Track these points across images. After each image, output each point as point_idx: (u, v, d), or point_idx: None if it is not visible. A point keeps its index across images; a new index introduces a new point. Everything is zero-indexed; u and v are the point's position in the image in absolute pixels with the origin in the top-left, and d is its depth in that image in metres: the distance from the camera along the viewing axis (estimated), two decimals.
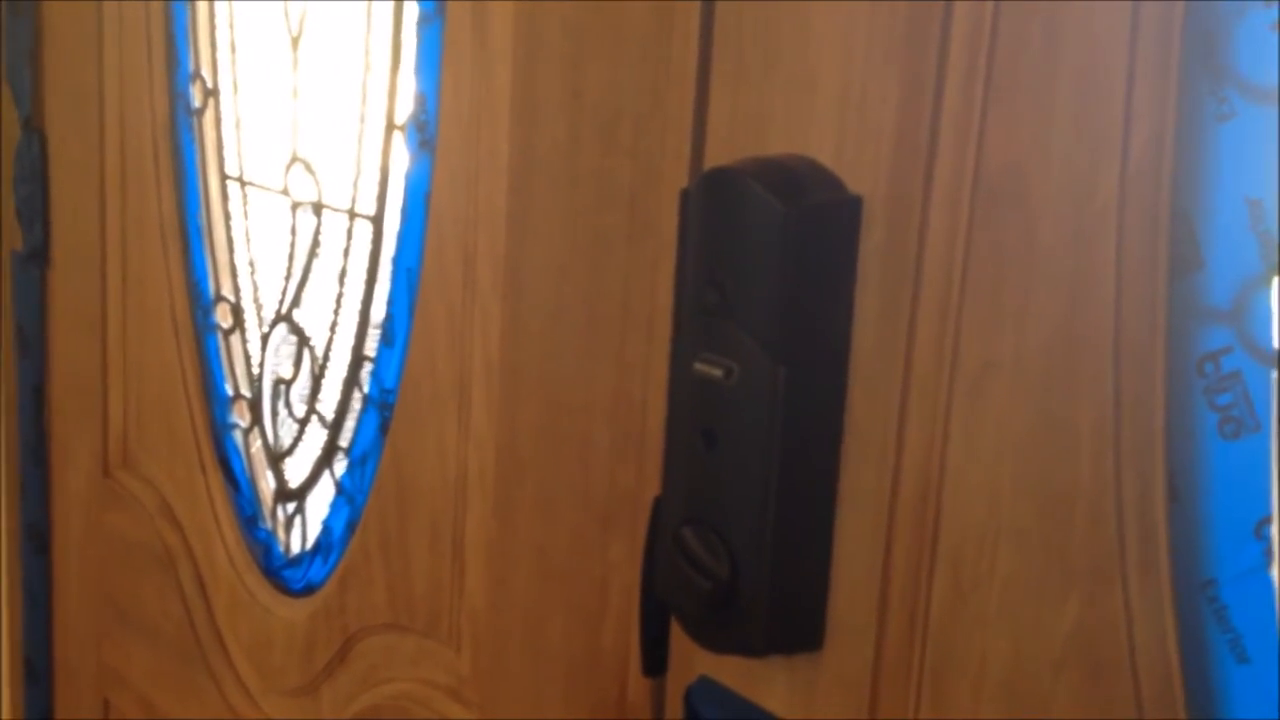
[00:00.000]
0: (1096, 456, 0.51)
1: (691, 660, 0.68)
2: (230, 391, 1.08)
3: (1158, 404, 0.49)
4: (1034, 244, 0.52)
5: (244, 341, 1.06)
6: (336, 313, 0.95)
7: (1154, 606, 0.50)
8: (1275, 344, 0.46)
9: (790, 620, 0.61)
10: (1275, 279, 0.46)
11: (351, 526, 0.95)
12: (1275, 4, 0.45)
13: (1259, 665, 0.47)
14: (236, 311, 1.06)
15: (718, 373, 0.60)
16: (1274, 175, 0.45)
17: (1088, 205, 0.50)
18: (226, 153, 1.05)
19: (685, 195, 0.63)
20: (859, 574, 0.60)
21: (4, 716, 1.40)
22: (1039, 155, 0.52)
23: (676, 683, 0.69)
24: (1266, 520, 0.47)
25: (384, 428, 0.91)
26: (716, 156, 0.64)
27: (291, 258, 0.99)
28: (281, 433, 1.03)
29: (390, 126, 0.88)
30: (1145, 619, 0.50)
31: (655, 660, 0.70)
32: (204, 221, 1.07)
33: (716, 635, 0.63)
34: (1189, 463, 0.49)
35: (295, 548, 1.04)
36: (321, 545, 1.00)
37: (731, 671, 0.66)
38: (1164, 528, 0.49)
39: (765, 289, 0.58)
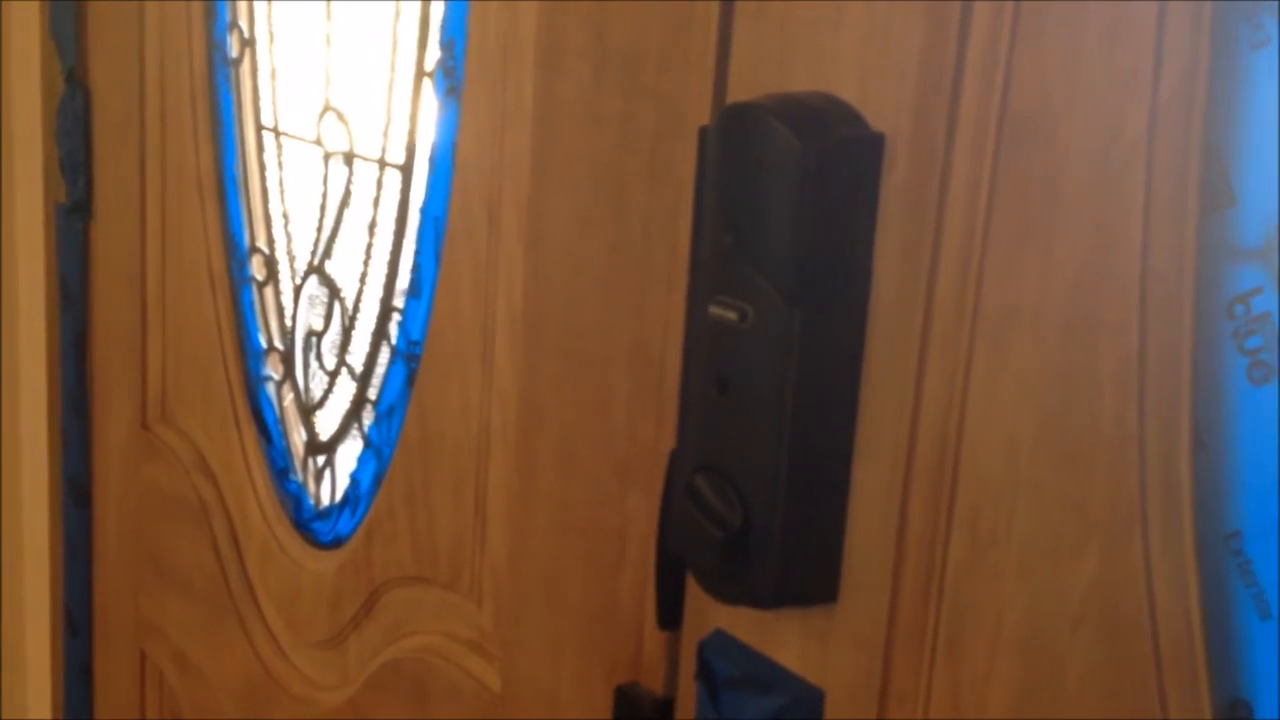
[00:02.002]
0: (1119, 405, 0.49)
1: (706, 614, 0.66)
2: (264, 344, 1.08)
3: (1185, 349, 0.47)
4: (1060, 185, 0.50)
5: (277, 294, 1.06)
6: (366, 264, 0.95)
7: (1175, 561, 0.47)
8: None
9: (804, 571, 0.59)
10: None
11: (378, 479, 0.95)
12: None
13: None
14: (270, 263, 1.06)
15: (732, 316, 0.58)
16: None
17: (1116, 143, 0.48)
18: (262, 103, 1.05)
19: (704, 133, 0.61)
20: (874, 526, 0.58)
21: (46, 669, 1.42)
22: (1066, 92, 0.50)
23: (691, 636, 0.68)
24: None
25: (410, 380, 0.90)
26: (739, 96, 0.62)
27: (323, 209, 0.99)
28: (313, 385, 1.03)
29: (420, 74, 0.87)
30: (1166, 574, 0.48)
31: (670, 613, 0.68)
32: (240, 173, 1.07)
33: (728, 586, 0.62)
34: (1215, 409, 0.46)
35: (325, 500, 1.03)
36: (349, 498, 0.99)
37: (746, 625, 0.64)
38: (1188, 477, 0.47)
39: (782, 228, 0.56)
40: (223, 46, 1.06)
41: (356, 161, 0.95)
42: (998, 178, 0.53)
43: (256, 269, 1.07)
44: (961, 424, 0.55)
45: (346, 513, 0.99)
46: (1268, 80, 0.44)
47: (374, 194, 0.93)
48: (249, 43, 1.04)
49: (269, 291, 1.07)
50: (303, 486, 1.05)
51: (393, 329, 0.93)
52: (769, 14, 0.61)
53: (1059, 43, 0.50)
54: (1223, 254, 0.46)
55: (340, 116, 0.96)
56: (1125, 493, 0.49)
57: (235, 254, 1.09)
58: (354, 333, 0.98)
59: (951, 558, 0.55)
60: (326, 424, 1.02)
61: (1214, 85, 0.45)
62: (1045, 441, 0.52)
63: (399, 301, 0.92)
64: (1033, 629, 0.52)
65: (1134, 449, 0.48)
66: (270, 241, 1.06)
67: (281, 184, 1.04)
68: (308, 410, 1.04)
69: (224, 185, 1.09)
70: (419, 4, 0.86)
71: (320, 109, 0.97)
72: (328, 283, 1.00)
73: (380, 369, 0.95)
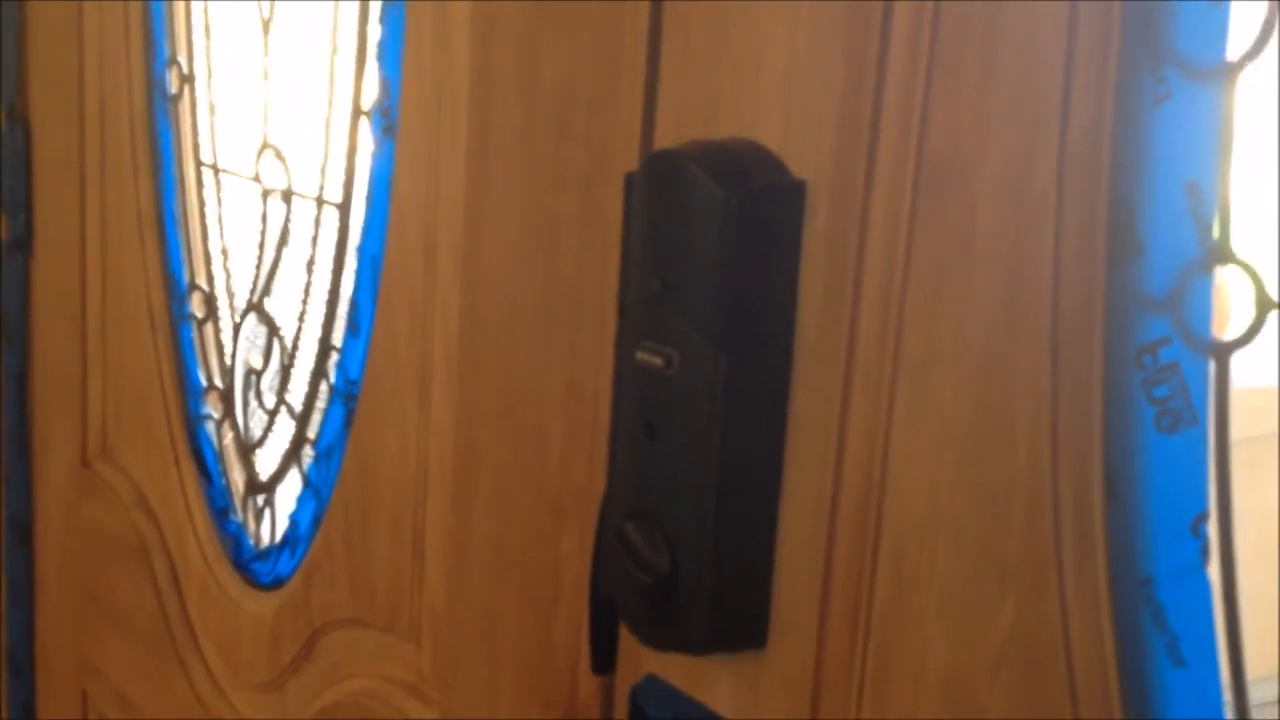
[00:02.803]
0: (1034, 450, 0.49)
1: (640, 659, 0.66)
2: (204, 382, 1.07)
3: (1095, 396, 0.47)
4: (974, 230, 0.51)
5: (217, 331, 1.05)
6: (305, 302, 0.94)
7: (1090, 606, 0.48)
8: (1212, 333, 0.45)
9: (732, 617, 0.59)
10: (1213, 265, 0.44)
11: (317, 520, 0.94)
12: None
13: (1195, 669, 0.46)
14: (210, 301, 1.05)
15: (659, 361, 0.58)
16: (1211, 157, 0.44)
17: (1026, 190, 0.49)
18: (201, 139, 1.04)
19: (630, 179, 0.61)
20: (801, 570, 0.58)
21: None
22: (979, 140, 0.50)
23: (625, 681, 0.68)
24: (1203, 516, 0.45)
25: (349, 420, 0.90)
26: (666, 140, 0.63)
27: (262, 246, 0.98)
28: (252, 424, 1.02)
29: (356, 112, 0.86)
30: (1082, 618, 0.48)
31: (604, 658, 0.68)
32: (179, 209, 1.07)
33: (659, 632, 0.61)
34: (1126, 457, 0.47)
35: (265, 540, 1.03)
36: (289, 539, 0.99)
37: (678, 670, 0.64)
38: (1101, 523, 0.47)
39: (707, 275, 0.57)
40: (162, 83, 1.06)
41: (295, 199, 0.95)
42: (916, 222, 0.53)
43: (196, 306, 1.07)
44: (885, 467, 0.55)
45: (286, 553, 0.99)
46: (1171, 133, 0.45)
47: (312, 232, 0.93)
48: (188, 79, 1.04)
49: (209, 329, 1.06)
50: (243, 526, 1.04)
51: (331, 368, 0.92)
52: (694, 58, 0.61)
53: (971, 89, 0.51)
54: (1131, 303, 0.46)
55: (278, 154, 0.95)
56: (1041, 537, 0.49)
57: (175, 291, 1.08)
58: (293, 371, 0.97)
59: (877, 601, 0.55)
60: (266, 463, 1.01)
61: (1120, 137, 0.46)
62: (964, 484, 0.52)
63: (338, 340, 0.92)
64: (955, 671, 0.53)
65: (1048, 494, 0.49)
66: (210, 279, 1.05)
67: (221, 221, 1.04)
68: (247, 449, 1.03)
69: (164, 222, 1.08)
70: (355, 42, 0.86)
71: (259, 146, 0.97)
72: (267, 321, 0.99)
73: (319, 408, 0.94)
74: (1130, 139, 0.46)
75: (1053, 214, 0.48)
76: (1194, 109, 0.44)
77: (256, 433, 1.02)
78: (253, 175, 0.98)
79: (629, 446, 0.61)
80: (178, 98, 1.05)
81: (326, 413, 0.93)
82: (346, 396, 0.90)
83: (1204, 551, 0.45)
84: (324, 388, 0.94)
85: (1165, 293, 0.46)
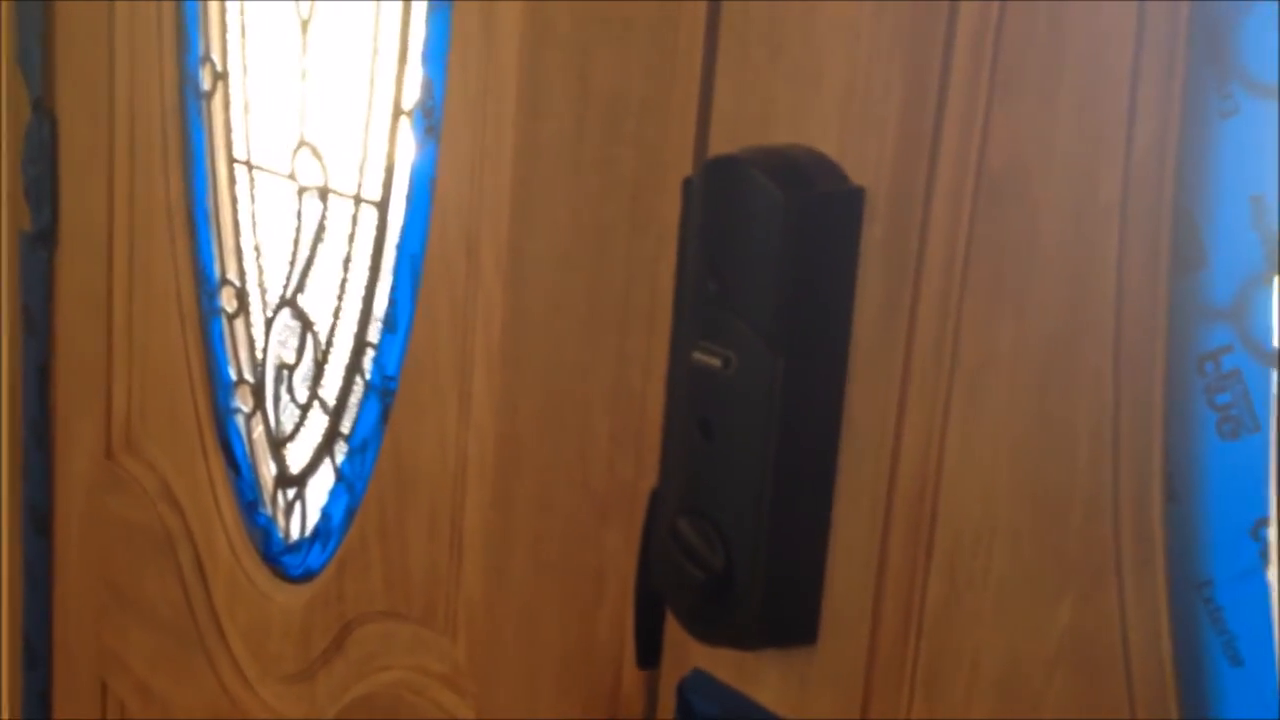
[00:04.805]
0: (1094, 455, 0.50)
1: (686, 653, 0.67)
2: (233, 376, 1.08)
3: (1157, 403, 0.49)
4: (1035, 240, 0.52)
5: (248, 326, 1.06)
6: (340, 299, 0.95)
7: (1149, 607, 0.49)
8: (1275, 343, 0.46)
9: (784, 613, 0.60)
10: (1276, 277, 0.46)
11: (351, 514, 0.95)
12: None
13: (1253, 668, 0.47)
14: (241, 296, 1.06)
15: (716, 362, 0.59)
16: (1275, 172, 0.45)
17: (1090, 202, 0.50)
18: (235, 136, 1.05)
19: (688, 183, 0.63)
20: (854, 569, 0.59)
21: (3, 698, 1.40)
22: (1042, 151, 0.52)
23: (670, 675, 0.69)
24: (1263, 521, 0.47)
25: (385, 415, 0.91)
26: (720, 146, 0.64)
27: (297, 243, 0.99)
28: (283, 418, 1.03)
29: (397, 112, 0.87)
30: (1140, 620, 0.49)
31: (649, 652, 0.69)
32: (211, 205, 1.07)
33: (710, 627, 0.63)
34: (1187, 462, 0.48)
35: (295, 534, 1.03)
36: (320, 532, 1.00)
37: (725, 664, 0.65)
38: (1160, 527, 0.49)
39: (765, 279, 0.58)
40: (195, 79, 1.06)
41: (331, 197, 0.96)
42: (975, 232, 0.54)
43: (227, 301, 1.07)
44: (940, 470, 0.56)
45: (317, 546, 1.00)
46: (1237, 148, 0.46)
47: (349, 229, 0.94)
48: (222, 76, 1.05)
49: (239, 323, 1.07)
50: (272, 519, 1.05)
51: (367, 363, 0.93)
52: (751, 65, 0.62)
53: (1035, 100, 0.52)
54: (1194, 313, 0.48)
55: (315, 152, 0.96)
56: (1100, 539, 0.50)
57: (205, 285, 1.09)
58: (327, 366, 0.98)
59: (930, 600, 0.57)
60: (297, 457, 1.02)
61: (1185, 151, 0.47)
62: (1021, 487, 0.53)
63: (374, 336, 0.93)
64: (1009, 671, 0.54)
65: (1108, 498, 0.50)
66: (241, 274, 1.06)
67: (254, 217, 1.04)
68: (278, 443, 1.04)
69: (194, 217, 1.09)
70: (397, 43, 0.87)
71: (295, 144, 0.98)
72: (300, 316, 1.00)
73: (354, 403, 0.95)
74: (1195, 153, 0.47)
75: (1117, 226, 0.49)
76: (1260, 124, 0.45)
77: (288, 427, 1.03)
78: (288, 173, 0.99)
79: (684, 444, 0.62)
80: (211, 94, 1.05)
81: (361, 407, 0.94)
82: (383, 392, 0.91)
83: (1264, 555, 0.46)
84: (359, 383, 0.95)
85: (1228, 303, 0.47)
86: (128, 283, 1.17)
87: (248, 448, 1.07)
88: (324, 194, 0.96)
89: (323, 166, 0.96)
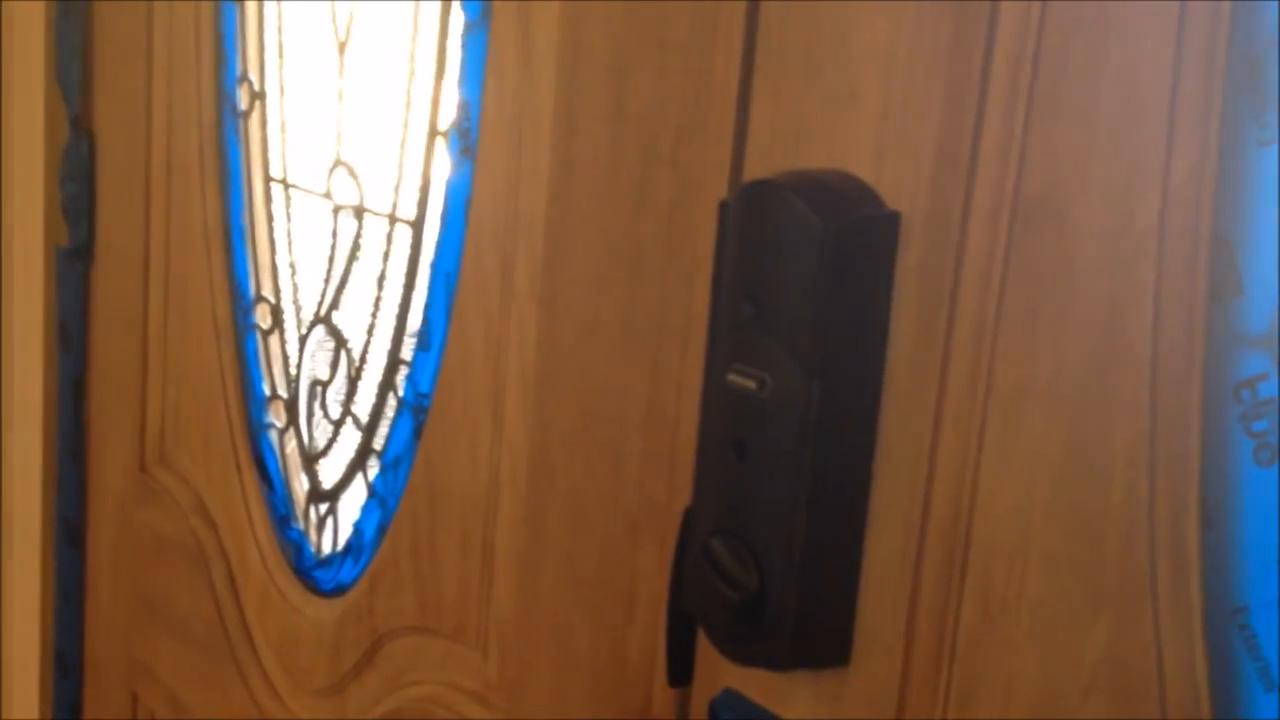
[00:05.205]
0: (1130, 481, 0.50)
1: (717, 672, 0.68)
2: (267, 391, 1.09)
3: (1193, 429, 0.49)
4: (1072, 266, 0.52)
5: (282, 342, 1.07)
6: (374, 316, 0.96)
7: (1184, 633, 0.49)
8: None
9: (817, 634, 0.61)
10: None
11: (382, 529, 0.96)
12: None
13: None
14: (276, 312, 1.07)
15: (751, 384, 0.60)
16: None
17: (1128, 228, 0.50)
18: (271, 155, 1.06)
19: (724, 207, 0.63)
20: (888, 591, 0.60)
21: (34, 709, 1.41)
22: (1079, 176, 0.52)
23: (702, 694, 0.69)
24: None
25: (418, 432, 0.92)
26: (756, 169, 0.64)
27: (332, 260, 1.00)
28: (316, 434, 1.04)
29: (433, 132, 0.88)
30: (1175, 645, 0.49)
31: (681, 671, 0.70)
32: (247, 223, 1.09)
33: (742, 647, 0.63)
34: (1223, 488, 0.48)
35: (326, 549, 1.04)
36: (352, 547, 1.00)
37: (757, 684, 0.66)
38: (1196, 553, 0.49)
39: (801, 302, 0.58)
40: (232, 98, 1.08)
41: (366, 215, 0.97)
42: (1012, 256, 0.55)
43: (261, 317, 1.08)
44: (974, 494, 0.56)
45: (349, 561, 1.00)
46: (1274, 176, 0.46)
47: (384, 248, 0.94)
48: (259, 95, 1.06)
49: (274, 340, 1.08)
50: (304, 534, 1.06)
51: (400, 381, 0.94)
52: (787, 88, 0.63)
53: (1073, 126, 0.52)
54: (1231, 340, 0.48)
55: (351, 171, 0.97)
56: (1135, 565, 0.51)
57: (240, 302, 1.10)
58: (360, 383, 0.99)
59: (963, 624, 0.57)
60: (330, 473, 1.03)
61: (1223, 179, 0.48)
62: (1056, 512, 0.54)
63: (407, 354, 0.93)
64: (1043, 696, 0.54)
65: (1144, 524, 0.50)
66: (276, 291, 1.07)
67: (289, 235, 1.05)
68: (311, 459, 1.05)
69: (230, 234, 1.10)
70: (434, 64, 0.88)
71: (331, 163, 0.99)
72: (334, 333, 1.01)
73: (387, 420, 0.96)
74: (1233, 180, 0.47)
75: (1154, 252, 0.49)
76: None
77: (321, 442, 1.04)
78: (324, 191, 1.00)
79: (718, 465, 0.63)
80: (248, 114, 1.07)
81: (394, 424, 0.95)
82: (416, 409, 0.92)
83: None
84: (392, 400, 0.95)
85: (1265, 330, 0.47)
86: (163, 298, 1.18)
87: (281, 463, 1.08)
88: (359, 212, 0.97)
89: (358, 185, 0.97)
